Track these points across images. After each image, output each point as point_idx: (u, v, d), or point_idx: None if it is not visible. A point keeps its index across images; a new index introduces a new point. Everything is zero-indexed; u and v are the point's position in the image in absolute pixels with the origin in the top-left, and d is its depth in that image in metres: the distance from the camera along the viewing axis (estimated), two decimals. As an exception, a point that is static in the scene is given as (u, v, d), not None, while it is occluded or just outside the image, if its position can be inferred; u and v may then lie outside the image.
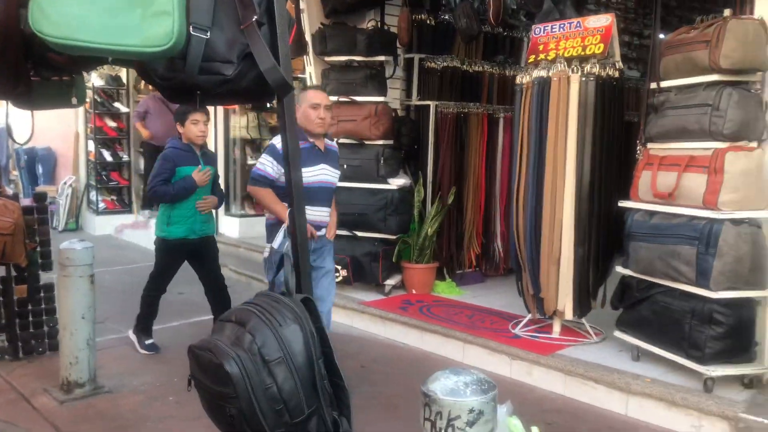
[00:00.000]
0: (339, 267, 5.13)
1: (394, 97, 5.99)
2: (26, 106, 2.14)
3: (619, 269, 3.93)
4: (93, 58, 1.86)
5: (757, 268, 3.37)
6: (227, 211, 8.17)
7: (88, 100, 8.57)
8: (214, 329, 1.82)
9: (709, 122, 3.36)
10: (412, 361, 4.43)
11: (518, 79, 4.42)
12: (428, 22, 6.16)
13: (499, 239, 6.14)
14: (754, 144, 3.42)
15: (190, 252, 4.30)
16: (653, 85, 3.81)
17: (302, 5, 5.86)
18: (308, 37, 5.82)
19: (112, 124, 9.42)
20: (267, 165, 3.55)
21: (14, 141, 8.59)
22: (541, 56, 4.28)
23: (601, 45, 4.03)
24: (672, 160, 3.59)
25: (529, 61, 4.39)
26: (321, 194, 3.66)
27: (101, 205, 9.27)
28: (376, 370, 4.25)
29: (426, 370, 2.08)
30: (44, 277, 4.44)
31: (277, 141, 3.58)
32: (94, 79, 8.99)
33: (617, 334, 3.97)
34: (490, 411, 1.63)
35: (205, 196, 4.27)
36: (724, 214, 3.31)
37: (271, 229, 3.72)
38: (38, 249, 4.37)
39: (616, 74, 4.11)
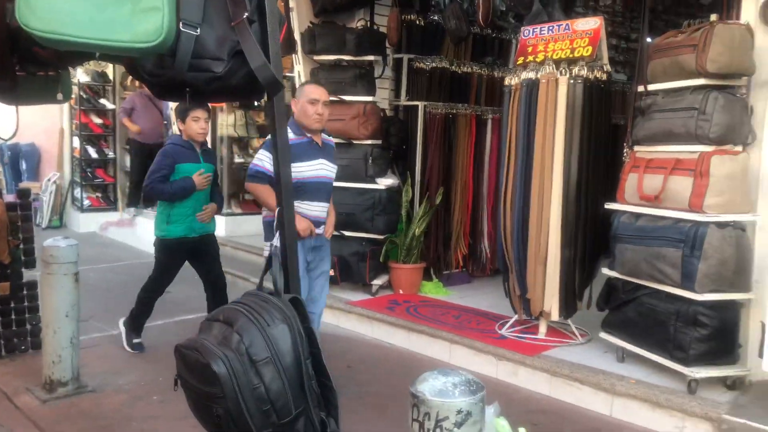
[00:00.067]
0: (327, 266, 5.11)
1: (382, 97, 5.99)
2: (11, 101, 2.11)
3: (605, 271, 3.96)
4: (80, 54, 1.83)
5: (741, 270, 3.41)
6: (214, 209, 8.12)
7: (73, 96, 8.50)
8: (201, 328, 1.81)
9: (696, 126, 3.39)
10: (399, 362, 4.43)
11: (507, 81, 4.43)
12: (417, 22, 6.17)
13: (486, 240, 6.16)
14: (739, 148, 3.45)
15: (190, 251, 4.26)
16: (640, 88, 3.84)
17: (291, 4, 5.84)
18: (297, 36, 5.81)
19: (97, 120, 9.33)
20: (265, 160, 3.48)
21: (-2, 136, 8.48)
22: (530, 58, 4.30)
23: (590, 48, 4.05)
24: (658, 163, 3.62)
25: (518, 62, 4.40)
26: (320, 189, 3.65)
27: (86, 202, 9.18)
28: (363, 370, 4.25)
29: (413, 370, 2.08)
30: (27, 275, 4.39)
31: None
32: (80, 74, 8.90)
33: (603, 335, 4.00)
34: (479, 412, 1.63)
35: (205, 205, 4.22)
36: (710, 217, 3.34)
37: (270, 227, 3.68)
38: (21, 246, 4.32)
39: (604, 77, 4.14)
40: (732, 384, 3.50)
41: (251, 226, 7.54)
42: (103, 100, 9.38)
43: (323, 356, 1.81)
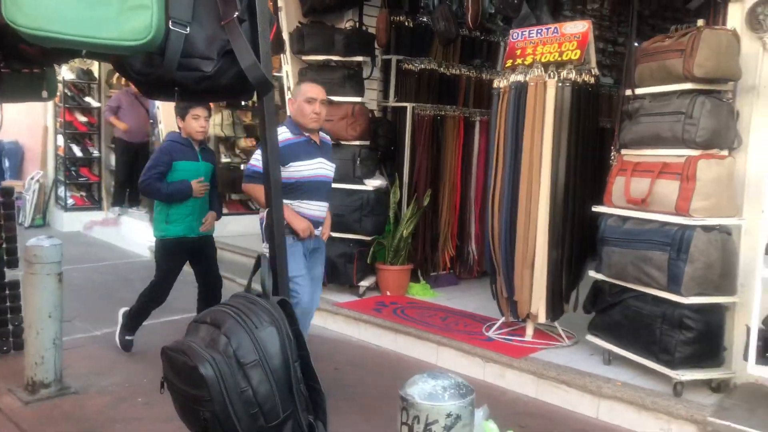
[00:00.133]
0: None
1: (371, 98, 5.98)
2: (-5, 98, 2.08)
3: (592, 273, 3.97)
4: (66, 51, 1.80)
5: (727, 274, 3.43)
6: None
7: (58, 93, 8.40)
8: (188, 330, 1.79)
9: (683, 130, 3.41)
10: (386, 363, 4.42)
11: (495, 84, 4.44)
12: (406, 24, 6.17)
13: (474, 242, 6.16)
14: (725, 152, 3.48)
15: (190, 251, 4.22)
16: (628, 92, 3.86)
17: (280, 3, 5.82)
18: (285, 36, 5.78)
19: (82, 118, 9.24)
20: (262, 161, 3.47)
21: (-20, 134, 8.38)
22: (519, 61, 4.31)
23: (578, 51, 4.07)
24: (645, 167, 3.64)
25: (507, 65, 4.41)
26: (320, 188, 3.63)
27: (70, 201, 9.08)
28: (350, 372, 4.23)
29: (400, 372, 2.07)
30: (9, 274, 4.32)
31: None
32: (65, 72, 8.80)
33: (589, 337, 4.01)
34: (468, 415, 1.63)
35: (204, 216, 4.20)
36: (696, 221, 3.36)
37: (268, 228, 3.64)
38: (3, 245, 4.26)
39: (592, 80, 4.15)
40: (717, 387, 3.53)
41: (237, 226, 7.49)
42: (88, 98, 9.29)
43: (311, 358, 1.80)
